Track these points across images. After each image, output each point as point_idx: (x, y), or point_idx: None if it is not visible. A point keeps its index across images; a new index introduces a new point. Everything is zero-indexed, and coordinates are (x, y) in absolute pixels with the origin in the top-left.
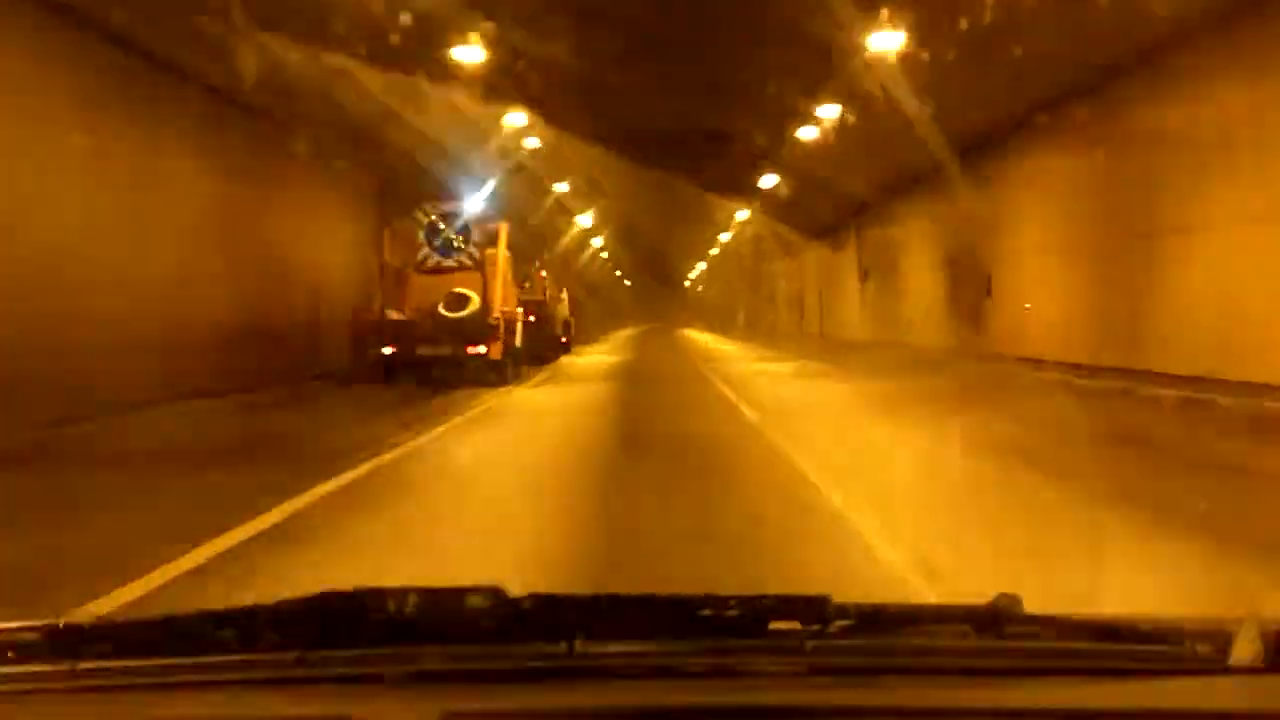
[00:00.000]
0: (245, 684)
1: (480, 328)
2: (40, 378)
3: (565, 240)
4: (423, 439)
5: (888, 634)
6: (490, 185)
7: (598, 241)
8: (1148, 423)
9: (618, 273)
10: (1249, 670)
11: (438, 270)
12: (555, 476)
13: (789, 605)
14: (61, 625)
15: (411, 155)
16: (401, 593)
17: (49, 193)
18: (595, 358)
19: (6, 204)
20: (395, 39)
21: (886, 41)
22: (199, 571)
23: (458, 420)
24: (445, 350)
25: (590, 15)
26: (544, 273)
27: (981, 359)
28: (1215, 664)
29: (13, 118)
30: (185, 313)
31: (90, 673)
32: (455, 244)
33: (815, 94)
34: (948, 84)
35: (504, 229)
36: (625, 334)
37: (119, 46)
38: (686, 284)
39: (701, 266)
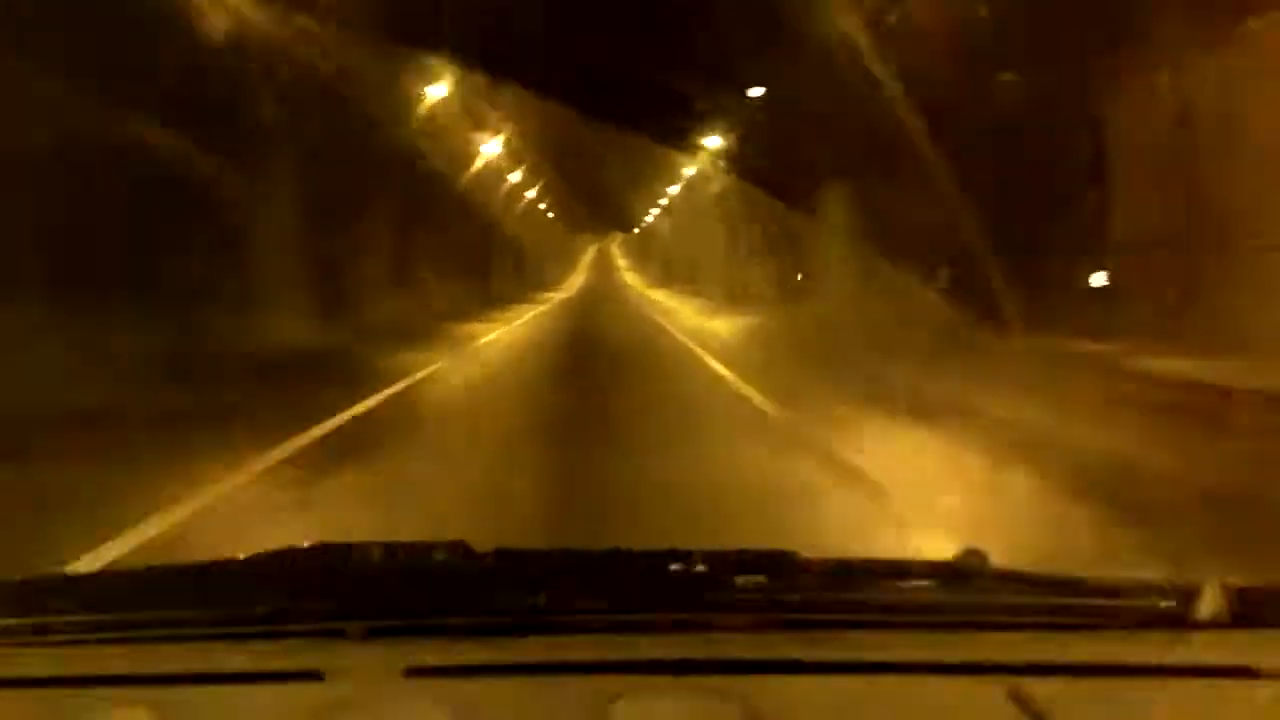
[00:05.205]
0: (211, 638)
1: None
2: None
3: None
4: None
5: (853, 588)
6: None
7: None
8: None
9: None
10: (1213, 625)
11: None
12: None
13: (755, 560)
14: (30, 579)
15: None
16: (367, 548)
17: None
18: None
19: None
20: None
21: None
22: None
23: None
24: None
25: None
26: None
27: None
28: (1180, 619)
29: None
30: None
31: (58, 626)
32: None
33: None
34: None
35: None
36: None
37: None
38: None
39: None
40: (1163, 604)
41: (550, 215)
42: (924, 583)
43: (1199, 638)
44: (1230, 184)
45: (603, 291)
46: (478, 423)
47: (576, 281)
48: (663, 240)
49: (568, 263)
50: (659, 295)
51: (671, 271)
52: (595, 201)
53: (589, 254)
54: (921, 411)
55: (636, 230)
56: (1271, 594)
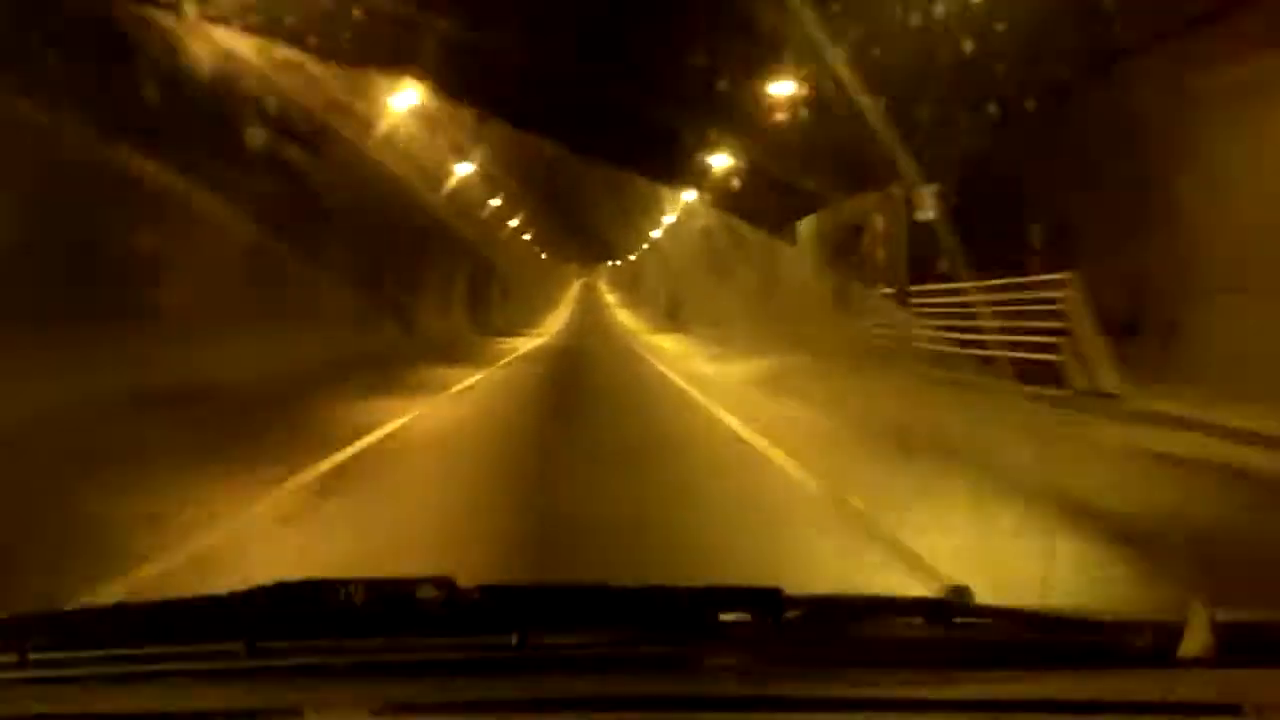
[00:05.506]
0: (194, 674)
1: None
2: None
3: None
4: None
5: (838, 625)
6: None
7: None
8: None
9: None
10: (1197, 663)
11: None
12: None
13: (740, 596)
14: (9, 615)
15: None
16: (352, 583)
17: None
18: None
19: None
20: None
21: None
22: None
23: None
24: None
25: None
26: None
27: None
28: (1164, 656)
29: None
30: None
31: (39, 663)
32: None
33: None
34: None
35: None
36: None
37: None
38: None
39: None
40: (1149, 640)
41: (519, 231)
42: (909, 619)
43: (1185, 674)
44: None
45: (592, 331)
46: None
47: (557, 321)
48: (665, 268)
49: (547, 296)
50: (668, 344)
51: (680, 311)
52: (577, 226)
53: (573, 287)
54: None
55: (632, 257)
56: (1257, 628)
